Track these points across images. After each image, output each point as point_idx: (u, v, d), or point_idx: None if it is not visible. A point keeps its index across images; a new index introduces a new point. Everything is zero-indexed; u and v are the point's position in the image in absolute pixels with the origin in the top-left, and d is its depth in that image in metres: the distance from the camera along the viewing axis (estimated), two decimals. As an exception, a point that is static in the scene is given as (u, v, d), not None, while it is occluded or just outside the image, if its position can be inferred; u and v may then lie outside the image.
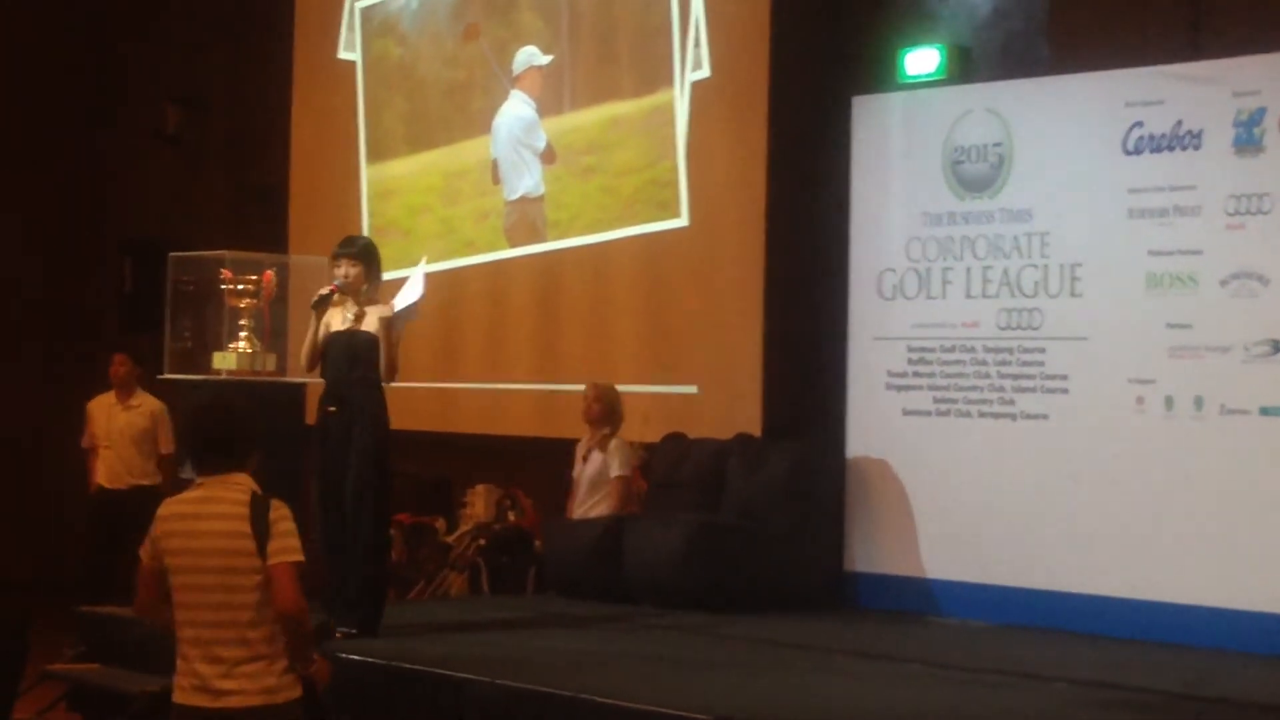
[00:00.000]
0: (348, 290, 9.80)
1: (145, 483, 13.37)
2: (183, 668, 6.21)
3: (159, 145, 17.32)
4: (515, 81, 14.12)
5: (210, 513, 6.19)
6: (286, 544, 6.14)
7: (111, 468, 13.42)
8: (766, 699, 8.45)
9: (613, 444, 11.88)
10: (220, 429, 6.28)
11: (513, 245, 14.10)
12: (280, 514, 6.18)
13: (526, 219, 14.03)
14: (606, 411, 11.94)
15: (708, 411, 12.35)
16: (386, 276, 10.20)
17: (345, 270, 9.80)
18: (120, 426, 13.43)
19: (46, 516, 16.40)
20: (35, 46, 17.71)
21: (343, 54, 15.51)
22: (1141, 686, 8.97)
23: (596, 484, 11.91)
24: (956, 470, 11.31)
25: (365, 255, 9.88)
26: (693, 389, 12.60)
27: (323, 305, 9.87)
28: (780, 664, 9.61)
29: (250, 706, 6.12)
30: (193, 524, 6.19)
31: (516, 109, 14.09)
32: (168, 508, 6.29)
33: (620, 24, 13.53)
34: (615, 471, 11.87)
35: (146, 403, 13.47)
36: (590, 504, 11.90)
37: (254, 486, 6.23)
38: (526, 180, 14.03)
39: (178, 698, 6.22)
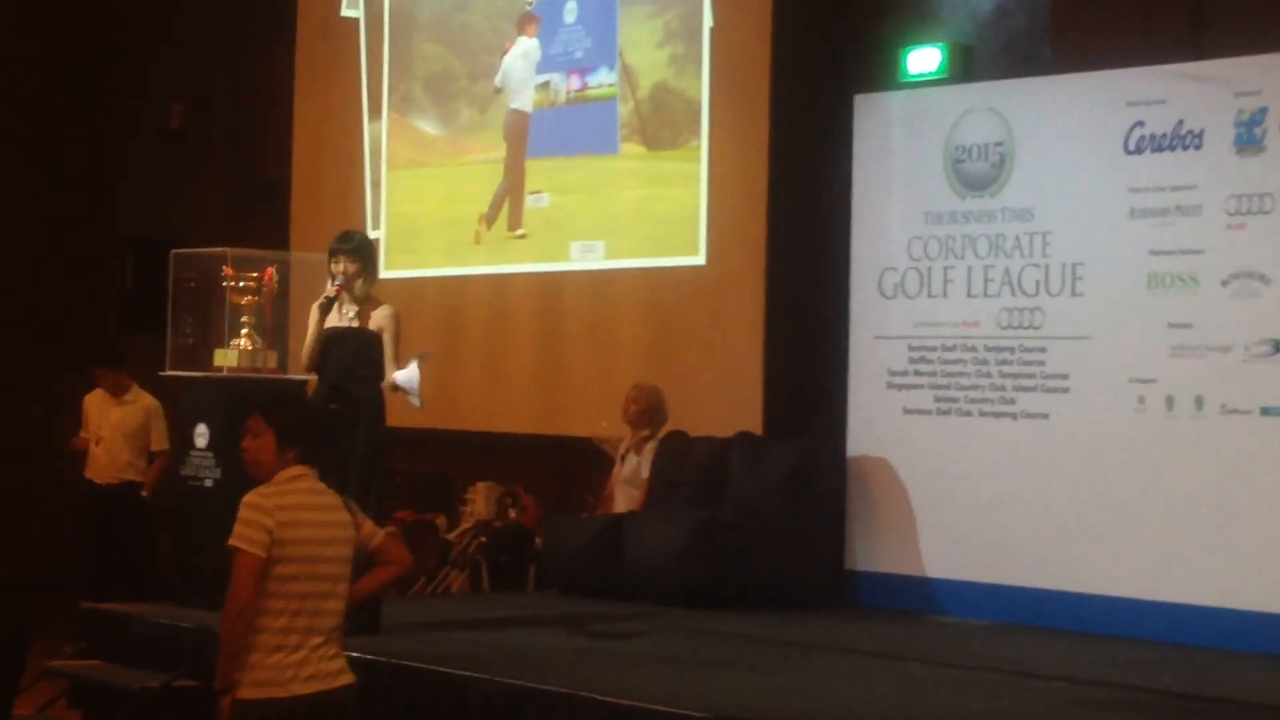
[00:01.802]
0: (347, 288, 9.82)
1: (133, 478, 13.35)
2: (292, 659, 6.19)
3: (163, 142, 17.33)
4: (520, 29, 14.32)
5: (328, 504, 6.35)
6: (374, 524, 6.58)
7: (100, 463, 13.38)
8: (766, 697, 8.46)
9: (648, 446, 11.93)
10: (326, 424, 6.44)
11: (507, 143, 14.31)
12: (353, 504, 6.55)
13: (518, 128, 14.22)
14: (644, 413, 11.98)
15: (709, 409, 12.35)
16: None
17: (344, 267, 9.82)
18: (113, 421, 13.39)
19: (47, 513, 16.39)
20: (40, 44, 17.70)
21: (346, 12, 15.55)
22: (1140, 686, 8.98)
23: (631, 484, 11.94)
24: (957, 469, 11.31)
25: (361, 251, 9.89)
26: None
27: (330, 307, 9.90)
28: (780, 662, 9.62)
29: (351, 683, 6.35)
30: (317, 514, 6.29)
31: (525, 47, 14.23)
32: (278, 498, 6.24)
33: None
34: (645, 473, 11.91)
35: (141, 399, 13.42)
36: (624, 507, 11.93)
37: None
38: (522, 98, 14.20)
39: (293, 690, 6.18)
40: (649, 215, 13.24)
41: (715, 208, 12.69)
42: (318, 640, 6.23)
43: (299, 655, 6.19)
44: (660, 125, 13.27)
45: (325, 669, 6.24)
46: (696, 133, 12.90)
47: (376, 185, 15.23)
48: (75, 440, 13.56)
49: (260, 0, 16.65)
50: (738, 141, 12.57)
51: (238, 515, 6.21)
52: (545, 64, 14.02)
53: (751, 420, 12.16)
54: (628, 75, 13.45)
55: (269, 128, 16.38)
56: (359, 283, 9.84)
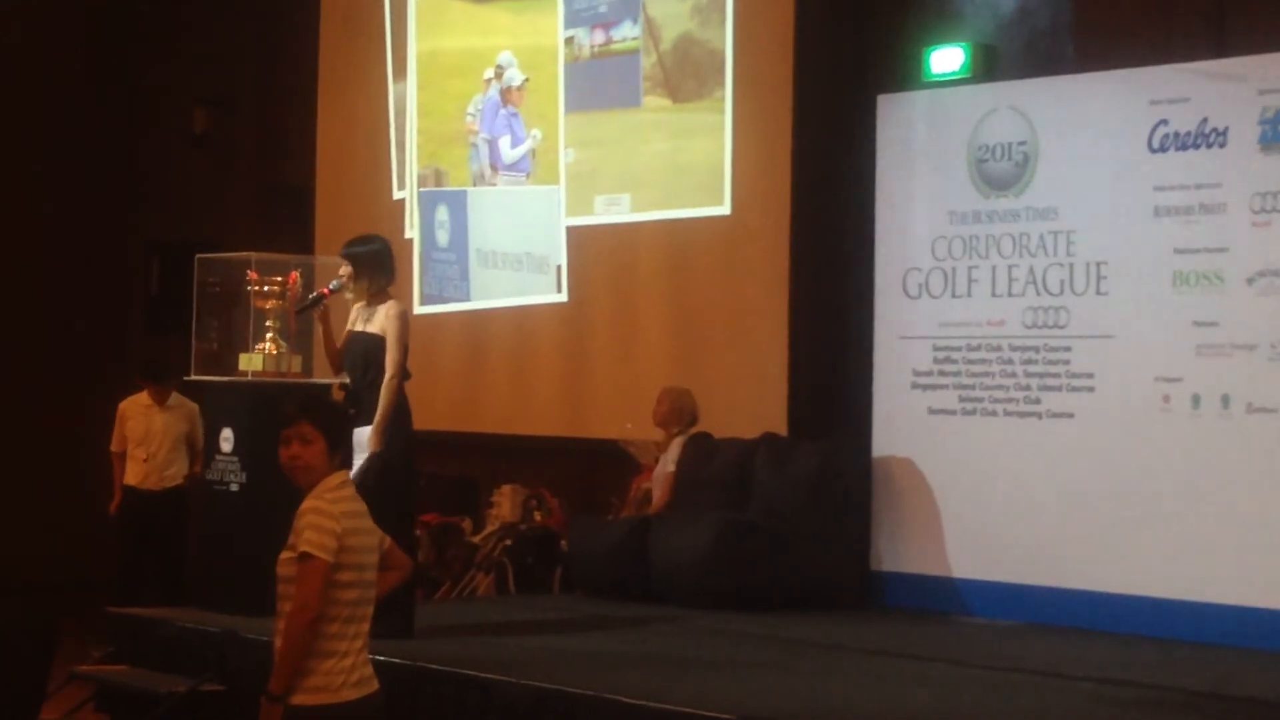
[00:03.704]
0: (346, 291, 9.80)
1: (178, 484, 13.37)
2: (342, 665, 6.17)
3: (187, 147, 17.36)
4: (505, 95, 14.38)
5: (364, 509, 6.34)
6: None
7: (145, 469, 13.38)
8: (792, 698, 8.46)
9: (674, 442, 11.97)
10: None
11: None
12: None
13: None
14: (671, 413, 12.03)
15: (734, 410, 12.35)
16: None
17: (341, 269, 9.83)
18: (159, 428, 13.38)
19: (76, 517, 16.43)
20: (63, 48, 17.75)
21: None
22: (1167, 685, 8.97)
23: (659, 481, 12.00)
24: (982, 469, 11.30)
25: (356, 255, 9.84)
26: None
27: (311, 308, 9.90)
28: (806, 663, 9.62)
29: (380, 688, 6.34)
30: (363, 520, 6.28)
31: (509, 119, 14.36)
32: (337, 505, 6.21)
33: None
34: (669, 467, 11.95)
35: (184, 404, 13.40)
36: (662, 503, 11.97)
37: None
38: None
39: (344, 695, 6.16)
40: (674, 167, 13.20)
41: (740, 157, 12.68)
42: (360, 644, 6.24)
43: (348, 661, 6.19)
44: (685, 77, 13.23)
45: (366, 673, 6.26)
46: (721, 83, 12.87)
47: (401, 146, 15.22)
48: (114, 449, 13.56)
49: (283, 2, 16.68)
50: (762, 90, 12.55)
51: (304, 522, 6.15)
52: (570, 19, 13.93)
53: (776, 421, 12.16)
54: (650, 28, 13.42)
55: (293, 131, 16.40)
56: (356, 284, 9.80)
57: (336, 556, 6.11)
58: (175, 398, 13.40)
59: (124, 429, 13.46)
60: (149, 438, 13.37)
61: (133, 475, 13.39)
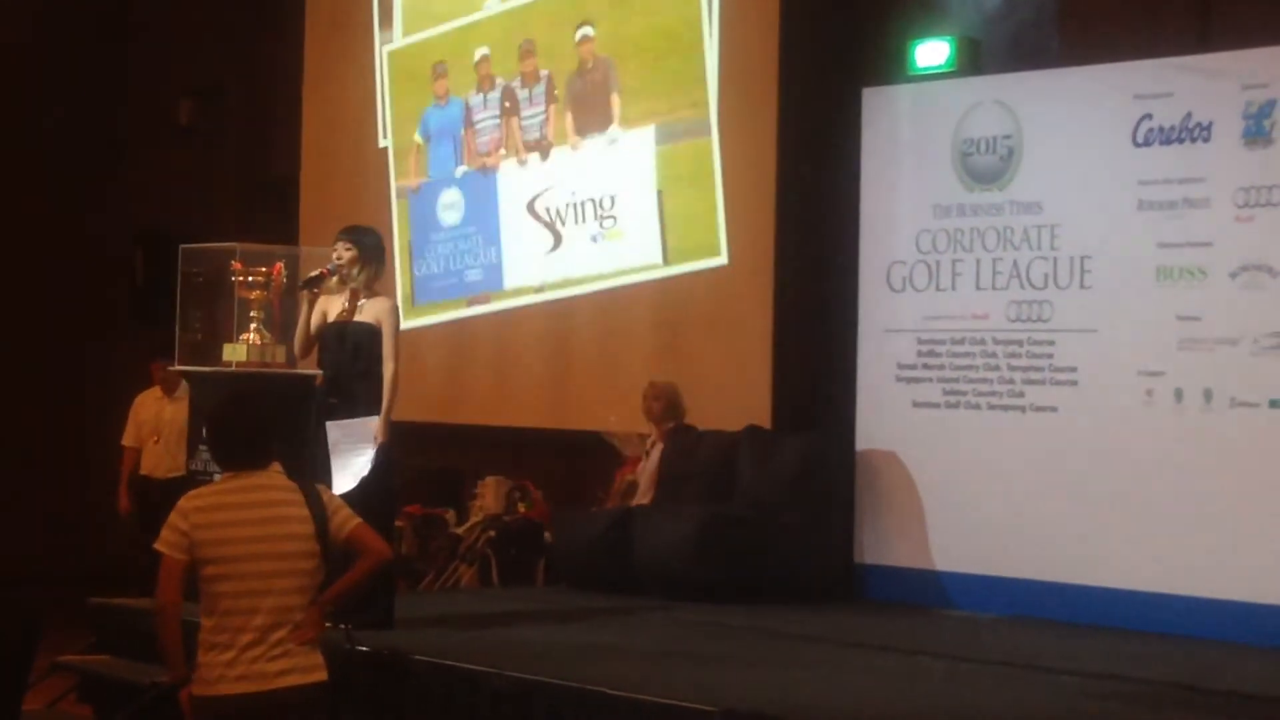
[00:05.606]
0: (341, 274, 9.78)
1: (180, 473, 13.45)
2: (221, 659, 6.28)
3: (172, 137, 17.34)
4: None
5: (270, 500, 6.39)
6: (349, 513, 6.55)
7: (157, 458, 13.57)
8: (775, 691, 8.46)
9: (665, 437, 12.00)
10: (258, 423, 6.53)
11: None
12: (329, 494, 6.62)
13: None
14: (667, 408, 12.03)
15: (718, 403, 12.36)
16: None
17: (339, 253, 9.79)
18: (169, 418, 13.58)
19: (65, 509, 16.43)
20: (48, 38, 17.73)
21: None
22: (1150, 679, 8.98)
23: (647, 476, 12.01)
24: (966, 462, 11.31)
25: (363, 243, 9.84)
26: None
27: (312, 286, 9.87)
28: (789, 656, 9.62)
29: (303, 684, 6.35)
30: (247, 513, 6.34)
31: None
32: (199, 500, 6.39)
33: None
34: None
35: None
36: (650, 497, 11.98)
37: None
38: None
39: (220, 689, 6.27)
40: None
41: (727, 202, 12.68)
42: (248, 639, 6.29)
43: (228, 655, 6.29)
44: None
45: (260, 670, 6.29)
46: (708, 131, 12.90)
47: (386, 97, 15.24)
48: (126, 445, 13.70)
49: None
50: (748, 133, 12.56)
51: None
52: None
53: (760, 414, 12.17)
54: None
55: (279, 122, 16.39)
56: (356, 272, 9.78)
57: (190, 552, 6.28)
58: (184, 388, 13.49)
59: (137, 422, 13.64)
60: (161, 428, 13.60)
61: (145, 464, 13.60)
